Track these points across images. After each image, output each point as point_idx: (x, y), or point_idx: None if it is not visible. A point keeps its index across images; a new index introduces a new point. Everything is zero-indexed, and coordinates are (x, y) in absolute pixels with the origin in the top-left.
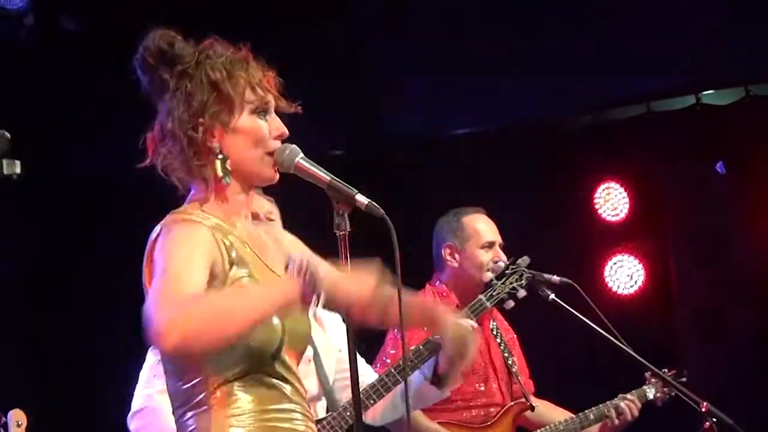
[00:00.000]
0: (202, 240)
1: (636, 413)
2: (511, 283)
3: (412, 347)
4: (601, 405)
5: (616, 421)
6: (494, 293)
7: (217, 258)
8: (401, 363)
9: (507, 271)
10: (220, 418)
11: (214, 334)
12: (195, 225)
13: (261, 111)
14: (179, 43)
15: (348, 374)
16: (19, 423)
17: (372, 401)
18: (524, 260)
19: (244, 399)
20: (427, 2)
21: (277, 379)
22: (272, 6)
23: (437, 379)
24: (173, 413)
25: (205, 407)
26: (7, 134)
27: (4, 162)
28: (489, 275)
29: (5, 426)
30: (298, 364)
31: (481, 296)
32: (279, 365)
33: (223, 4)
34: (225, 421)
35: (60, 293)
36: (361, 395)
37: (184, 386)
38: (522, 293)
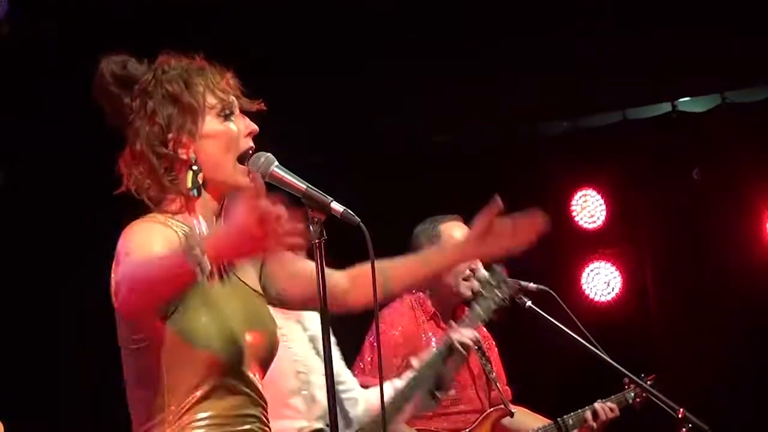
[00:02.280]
0: (164, 233)
1: (611, 416)
2: (498, 294)
3: (426, 357)
4: (579, 410)
5: (594, 425)
6: (487, 303)
7: None
8: (418, 373)
9: (491, 281)
10: (176, 430)
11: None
12: (158, 224)
13: (226, 113)
14: (132, 63)
15: (352, 386)
16: None
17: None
18: (499, 267)
19: (201, 411)
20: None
21: (237, 392)
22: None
23: (439, 390)
24: (133, 428)
25: (159, 419)
26: None
27: None
28: (476, 285)
29: None
30: (262, 376)
31: (476, 306)
32: (238, 378)
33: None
34: None
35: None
36: (390, 407)
37: (143, 398)
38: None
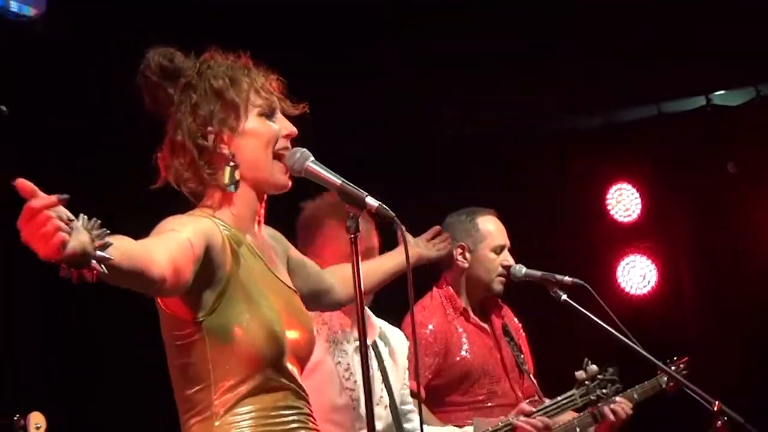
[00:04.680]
0: (210, 232)
1: (628, 413)
2: (602, 389)
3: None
4: (601, 404)
5: (611, 418)
6: (586, 393)
7: (218, 264)
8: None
9: (600, 376)
10: (223, 425)
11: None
12: (207, 221)
13: (267, 113)
14: (179, 57)
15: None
16: (38, 425)
17: None
18: (615, 371)
19: (246, 405)
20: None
21: (278, 385)
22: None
23: None
24: (181, 420)
25: (208, 413)
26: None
27: None
28: (581, 374)
29: (24, 428)
30: (301, 371)
31: (574, 392)
32: (280, 372)
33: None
34: (228, 426)
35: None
36: None
37: (190, 393)
38: (611, 401)
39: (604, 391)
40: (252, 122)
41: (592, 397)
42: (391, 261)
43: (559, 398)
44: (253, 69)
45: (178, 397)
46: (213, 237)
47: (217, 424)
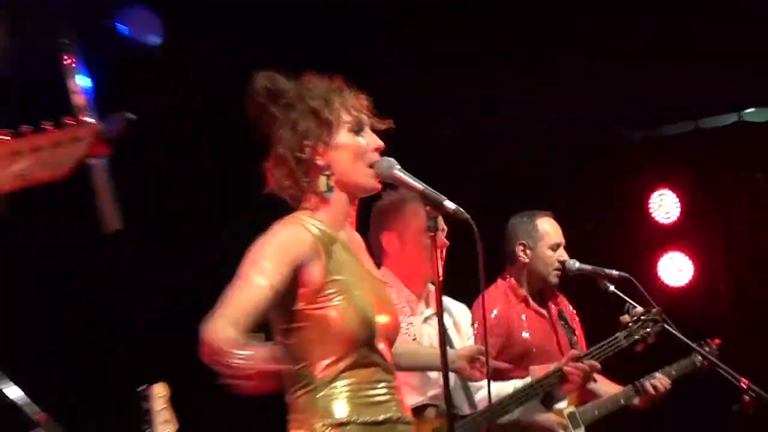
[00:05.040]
0: (296, 243)
1: (666, 387)
2: (645, 329)
3: (545, 372)
4: (641, 381)
5: (653, 393)
6: (629, 334)
7: (311, 263)
8: (542, 382)
9: (642, 317)
10: (325, 395)
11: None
12: (298, 227)
13: (356, 129)
14: (281, 80)
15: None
16: (161, 395)
17: (511, 409)
18: (658, 310)
19: (344, 379)
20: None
21: (371, 362)
22: None
23: (550, 402)
24: (288, 393)
25: (311, 386)
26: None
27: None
28: (627, 317)
29: (148, 398)
30: (390, 350)
31: (618, 335)
32: (372, 351)
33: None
34: (328, 397)
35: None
36: (501, 403)
37: (296, 370)
38: (651, 339)
39: (647, 330)
40: (343, 137)
41: (636, 337)
42: (426, 359)
43: (603, 342)
44: (345, 90)
45: (284, 375)
46: (300, 246)
47: (319, 395)
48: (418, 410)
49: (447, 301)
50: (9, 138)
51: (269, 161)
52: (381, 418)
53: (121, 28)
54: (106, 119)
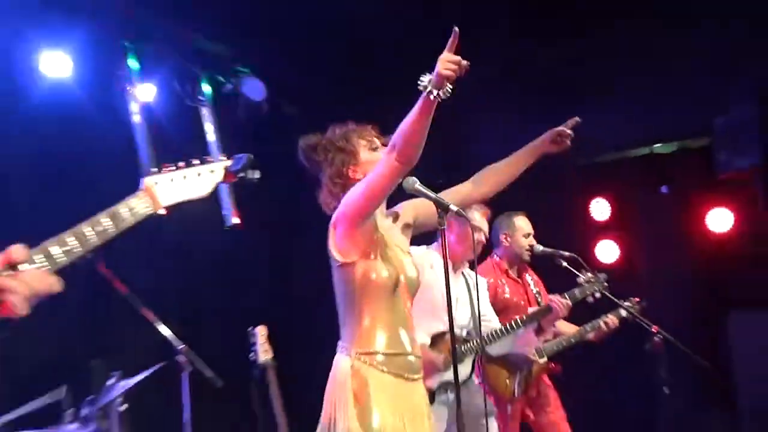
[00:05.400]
0: None
1: (613, 326)
2: (592, 289)
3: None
4: (594, 321)
5: (605, 329)
6: (583, 291)
7: (373, 228)
8: (523, 317)
9: (592, 279)
10: (365, 329)
11: None
12: None
13: (373, 148)
14: (313, 138)
15: (491, 319)
16: (262, 333)
17: (495, 340)
18: (603, 276)
19: (380, 319)
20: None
21: (398, 310)
22: None
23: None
24: (341, 328)
25: (357, 324)
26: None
27: (249, 172)
28: (582, 278)
29: (254, 335)
30: (411, 301)
31: (575, 290)
32: (400, 302)
33: None
34: (368, 330)
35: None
36: (490, 335)
37: (344, 309)
38: (591, 300)
39: (595, 288)
40: (364, 156)
41: (588, 292)
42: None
43: (565, 293)
44: (358, 126)
45: (340, 314)
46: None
47: (364, 326)
48: (438, 337)
49: (466, 270)
50: (173, 168)
51: (321, 192)
52: (399, 351)
53: (242, 91)
54: (233, 158)
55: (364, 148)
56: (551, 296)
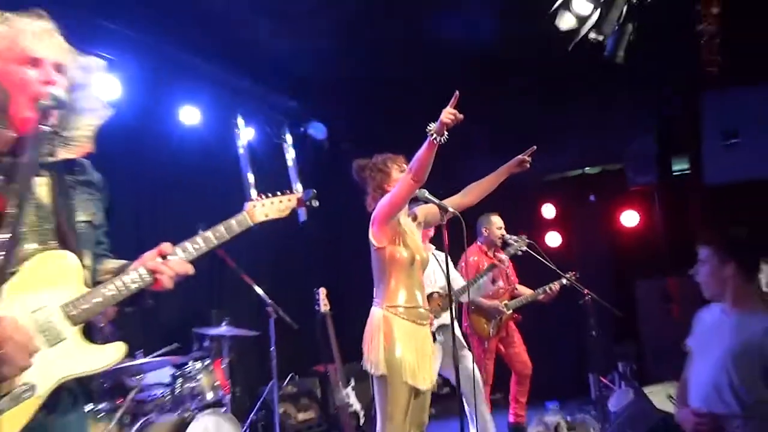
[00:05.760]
0: None
1: (556, 289)
2: (518, 247)
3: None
4: (543, 287)
5: (550, 292)
6: (514, 248)
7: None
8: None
9: (518, 240)
10: (390, 293)
11: None
12: None
13: (402, 170)
14: (365, 161)
15: (453, 281)
16: (324, 294)
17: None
18: (525, 237)
19: (401, 288)
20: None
21: (416, 282)
22: None
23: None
24: (376, 298)
25: (387, 292)
26: (314, 191)
27: (313, 201)
28: (509, 238)
29: (318, 294)
30: (423, 273)
31: (509, 248)
32: (418, 275)
33: None
34: (396, 294)
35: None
36: (460, 289)
37: (378, 282)
38: (519, 254)
39: (521, 245)
40: (395, 176)
41: (516, 249)
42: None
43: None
44: (394, 156)
45: (375, 280)
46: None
47: (391, 288)
48: (429, 296)
49: (434, 251)
50: (265, 197)
51: (368, 199)
52: (414, 305)
53: (309, 132)
54: (304, 191)
55: (396, 170)
56: (497, 254)
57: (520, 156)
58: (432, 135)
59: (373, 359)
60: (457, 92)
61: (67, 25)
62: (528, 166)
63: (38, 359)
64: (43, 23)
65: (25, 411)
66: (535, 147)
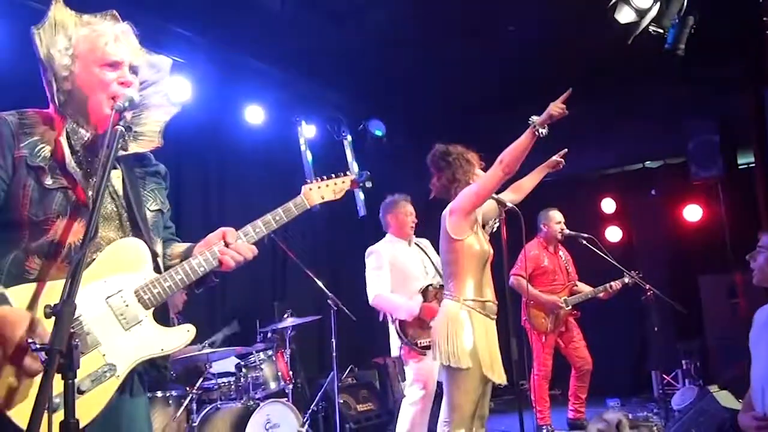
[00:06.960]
0: None
1: (617, 288)
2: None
3: None
4: (603, 285)
5: (610, 290)
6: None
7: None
8: None
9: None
10: (472, 287)
11: None
12: None
13: (480, 166)
14: (448, 147)
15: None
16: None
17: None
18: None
19: (476, 279)
20: None
21: (485, 270)
22: None
23: None
24: (448, 290)
25: (461, 284)
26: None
27: (366, 182)
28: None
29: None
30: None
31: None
32: (486, 265)
33: None
34: (472, 288)
35: None
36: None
37: (454, 276)
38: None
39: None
40: (477, 170)
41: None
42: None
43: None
44: (469, 150)
45: (445, 273)
46: None
47: (467, 282)
48: (424, 290)
49: (419, 241)
50: (320, 179)
51: (438, 182)
52: (487, 299)
53: (368, 128)
54: (358, 173)
55: (477, 165)
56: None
57: (554, 158)
58: (534, 126)
59: (456, 352)
60: (571, 89)
61: (142, 29)
62: (561, 167)
63: (117, 341)
64: (121, 26)
65: (106, 391)
66: (566, 150)
